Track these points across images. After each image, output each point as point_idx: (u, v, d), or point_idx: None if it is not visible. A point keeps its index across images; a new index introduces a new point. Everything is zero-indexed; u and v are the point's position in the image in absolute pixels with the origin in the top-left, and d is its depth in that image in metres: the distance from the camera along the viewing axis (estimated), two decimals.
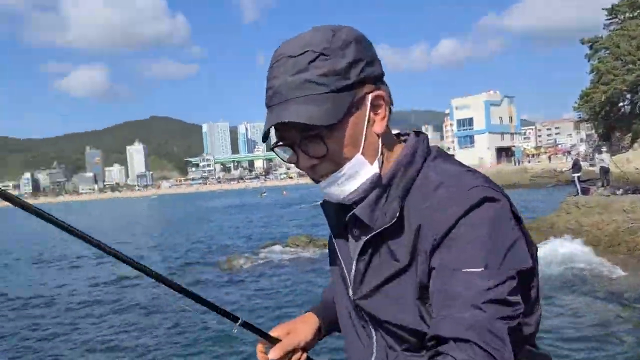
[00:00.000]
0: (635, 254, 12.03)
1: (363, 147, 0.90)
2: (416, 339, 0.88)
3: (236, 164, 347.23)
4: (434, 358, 0.77)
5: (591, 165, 31.16)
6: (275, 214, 39.77)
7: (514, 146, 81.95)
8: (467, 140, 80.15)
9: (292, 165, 0.94)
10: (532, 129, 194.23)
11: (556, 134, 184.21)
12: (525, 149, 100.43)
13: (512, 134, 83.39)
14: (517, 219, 0.87)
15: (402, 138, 1.02)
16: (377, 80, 0.92)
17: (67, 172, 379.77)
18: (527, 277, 0.87)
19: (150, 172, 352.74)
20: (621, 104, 44.87)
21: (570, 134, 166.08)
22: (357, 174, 0.90)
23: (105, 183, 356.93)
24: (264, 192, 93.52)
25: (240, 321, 1.10)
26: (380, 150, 0.93)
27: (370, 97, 0.90)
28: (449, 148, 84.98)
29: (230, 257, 16.71)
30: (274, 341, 1.11)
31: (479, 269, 0.78)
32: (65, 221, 0.86)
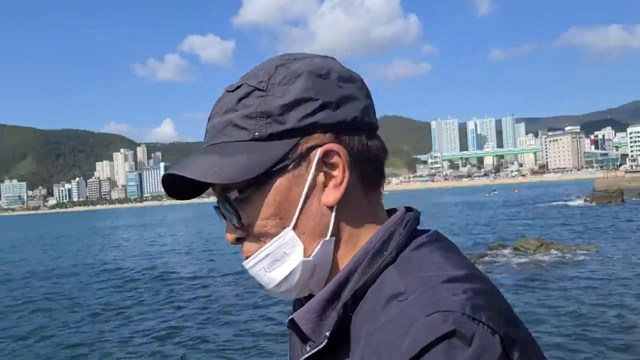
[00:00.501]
0: None
1: (297, 220, 0.64)
2: None
3: (464, 160, 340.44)
4: None
5: None
6: (504, 212, 38.01)
7: None
8: None
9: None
10: None
11: None
12: None
13: None
14: None
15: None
16: (342, 130, 0.65)
17: None
18: None
19: None
20: None
21: None
22: (285, 257, 0.65)
23: None
24: (494, 191, 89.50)
25: None
26: (331, 229, 0.65)
27: (318, 152, 0.63)
28: None
29: None
30: None
31: None
32: None
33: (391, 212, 0.70)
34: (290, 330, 0.69)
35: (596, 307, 9.70)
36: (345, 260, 0.65)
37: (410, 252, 0.63)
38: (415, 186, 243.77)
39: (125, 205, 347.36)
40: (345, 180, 0.64)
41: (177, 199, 0.71)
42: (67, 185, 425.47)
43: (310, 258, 0.64)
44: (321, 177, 0.64)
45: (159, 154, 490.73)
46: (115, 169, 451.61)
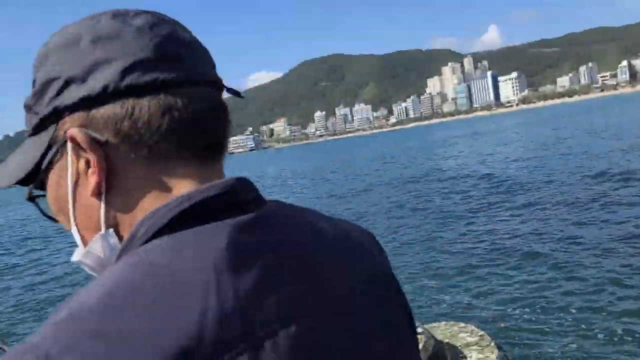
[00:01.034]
0: None
1: (74, 217, 0.56)
2: None
3: None
4: None
5: None
6: None
7: None
8: None
9: None
10: None
11: None
12: None
13: None
14: None
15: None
16: (94, 104, 0.52)
17: None
18: None
19: None
20: None
21: None
22: (89, 254, 0.56)
23: None
24: None
25: None
26: (104, 221, 0.54)
27: (68, 136, 0.53)
28: None
29: None
30: None
31: None
32: None
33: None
34: None
35: None
36: None
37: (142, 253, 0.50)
38: None
39: (456, 117, 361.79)
40: (94, 162, 0.53)
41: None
42: (403, 104, 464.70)
43: (94, 253, 0.55)
44: (82, 165, 0.54)
45: (485, 62, 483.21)
46: (445, 83, 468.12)
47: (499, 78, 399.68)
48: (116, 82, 0.52)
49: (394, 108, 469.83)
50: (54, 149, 0.55)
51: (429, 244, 10.38)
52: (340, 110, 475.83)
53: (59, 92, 0.53)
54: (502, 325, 5.97)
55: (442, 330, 4.34)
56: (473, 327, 4.39)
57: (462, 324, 4.50)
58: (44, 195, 0.59)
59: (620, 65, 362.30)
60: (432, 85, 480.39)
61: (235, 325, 0.46)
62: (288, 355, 0.47)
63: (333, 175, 32.68)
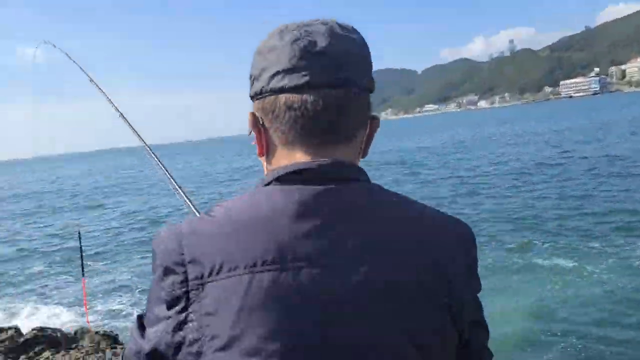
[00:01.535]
0: None
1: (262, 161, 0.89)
2: None
3: None
4: None
5: None
6: None
7: None
8: None
9: None
10: None
11: None
12: None
13: None
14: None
15: None
16: (258, 97, 0.82)
17: None
18: None
19: None
20: None
21: None
22: None
23: None
24: None
25: None
26: (265, 172, 0.86)
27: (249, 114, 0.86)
28: None
29: None
30: None
31: None
32: None
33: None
34: None
35: None
36: None
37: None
38: None
39: None
40: (258, 136, 0.84)
41: None
42: None
43: None
44: (256, 134, 0.84)
45: None
46: None
47: None
48: (265, 85, 0.79)
49: None
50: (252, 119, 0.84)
51: None
52: None
53: (251, 85, 0.84)
54: None
55: None
56: None
57: None
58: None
59: None
60: None
61: (271, 254, 0.71)
62: (303, 286, 0.70)
63: None
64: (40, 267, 12.05)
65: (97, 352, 5.30)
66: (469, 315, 0.81)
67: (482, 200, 13.81)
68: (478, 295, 0.85)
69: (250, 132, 0.84)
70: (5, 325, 6.59)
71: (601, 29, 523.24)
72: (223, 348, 0.69)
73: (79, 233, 6.11)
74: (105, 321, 7.91)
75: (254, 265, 0.71)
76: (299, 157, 0.79)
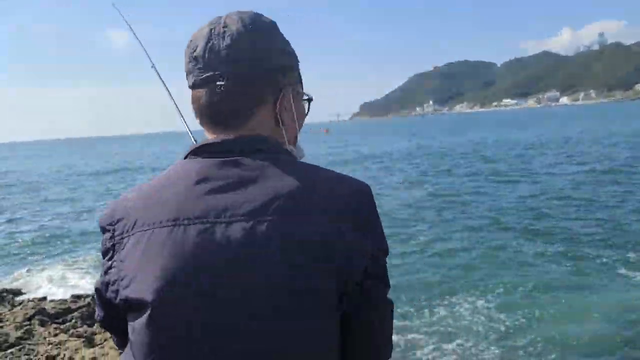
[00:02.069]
0: None
1: None
2: None
3: None
4: None
5: None
6: None
7: None
8: None
9: None
10: None
11: None
12: None
13: None
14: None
15: None
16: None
17: None
18: None
19: None
20: None
21: None
22: None
23: None
24: None
25: None
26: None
27: None
28: None
29: None
30: None
31: None
32: None
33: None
34: None
35: None
36: None
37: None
38: None
39: None
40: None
41: None
42: None
43: None
44: None
45: None
46: None
47: None
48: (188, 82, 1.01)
49: None
50: None
51: None
52: None
53: None
54: None
55: None
56: None
57: None
58: None
59: None
60: None
61: (170, 213, 0.89)
62: (191, 238, 0.87)
63: None
64: None
65: None
66: (360, 268, 0.88)
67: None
68: (380, 250, 0.92)
69: None
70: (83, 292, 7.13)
71: None
72: (128, 286, 0.89)
73: None
74: None
75: (157, 222, 0.89)
76: (210, 137, 0.99)
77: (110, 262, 0.92)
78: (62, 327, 5.69)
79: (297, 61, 1.08)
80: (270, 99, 1.00)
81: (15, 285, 8.67)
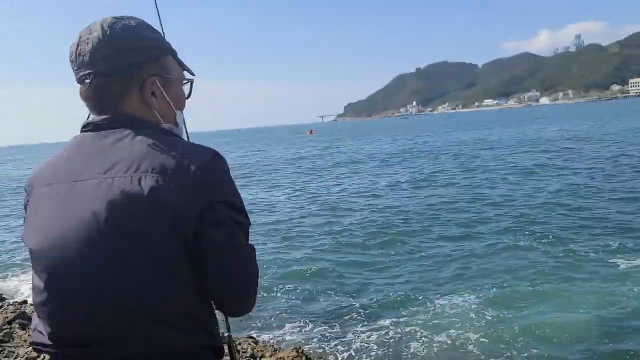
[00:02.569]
0: None
1: None
2: None
3: None
4: None
5: None
6: None
7: None
8: None
9: None
10: None
11: None
12: None
13: None
14: None
15: None
16: None
17: None
18: None
19: None
20: None
21: None
22: None
23: None
24: None
25: None
26: None
27: None
28: None
29: None
30: None
31: None
32: None
33: None
34: None
35: None
36: None
37: None
38: None
39: None
40: None
41: None
42: None
43: None
44: None
45: None
46: None
47: None
48: None
49: None
50: None
51: None
52: None
53: None
54: None
55: None
56: None
57: None
58: None
59: None
60: None
61: (52, 176, 1.21)
62: (60, 195, 1.16)
63: None
64: None
65: None
66: (193, 215, 1.11)
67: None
68: (220, 202, 1.15)
69: None
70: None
71: None
72: (25, 233, 1.22)
73: None
74: None
75: (43, 183, 1.22)
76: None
77: (24, 217, 1.25)
78: None
79: (164, 52, 1.30)
80: (135, 88, 1.25)
81: None
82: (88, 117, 1.28)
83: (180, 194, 1.11)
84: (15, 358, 4.65)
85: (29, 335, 5.36)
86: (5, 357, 4.65)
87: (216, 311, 1.25)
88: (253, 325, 6.22)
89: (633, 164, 17.24)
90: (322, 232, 10.98)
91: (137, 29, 1.25)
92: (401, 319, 6.11)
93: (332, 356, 5.38)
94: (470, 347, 5.28)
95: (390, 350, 5.42)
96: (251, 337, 5.69)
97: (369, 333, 5.81)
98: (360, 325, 6.06)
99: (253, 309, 1.26)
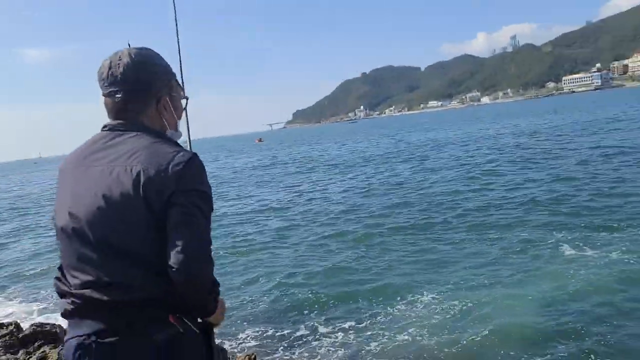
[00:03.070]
0: None
1: None
2: None
3: None
4: None
5: None
6: None
7: None
8: None
9: None
10: None
11: None
12: None
13: None
14: None
15: None
16: None
17: None
18: None
19: None
20: None
21: None
22: None
23: None
24: None
25: None
26: None
27: None
28: None
29: None
30: None
31: None
32: None
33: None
34: None
35: None
36: None
37: None
38: None
39: None
40: None
41: None
42: None
43: None
44: None
45: None
46: None
47: None
48: None
49: None
50: None
51: None
52: None
53: None
54: None
55: None
56: None
57: None
58: None
59: None
60: None
61: (76, 160, 1.71)
62: (81, 176, 1.65)
63: None
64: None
65: None
66: (164, 197, 1.52)
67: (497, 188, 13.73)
68: (188, 189, 1.55)
69: None
70: (6, 321, 6.67)
71: (603, 24, 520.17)
72: (56, 202, 1.69)
73: None
74: None
75: (67, 167, 1.70)
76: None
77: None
78: None
79: (172, 77, 1.80)
80: (153, 104, 1.72)
81: None
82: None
83: (157, 180, 1.52)
84: None
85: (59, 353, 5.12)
86: None
87: None
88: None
89: (578, 157, 18.12)
90: (280, 238, 10.96)
91: (154, 59, 1.73)
92: (362, 320, 6.23)
93: None
94: (429, 343, 5.46)
95: (351, 350, 5.51)
96: None
97: (330, 335, 5.88)
98: (323, 327, 6.12)
99: (211, 302, 1.64)
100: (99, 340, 1.52)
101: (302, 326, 6.27)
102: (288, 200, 16.63)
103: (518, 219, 10.27)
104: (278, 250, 10.12)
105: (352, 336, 5.85)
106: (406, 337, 5.64)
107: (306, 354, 5.55)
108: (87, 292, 1.54)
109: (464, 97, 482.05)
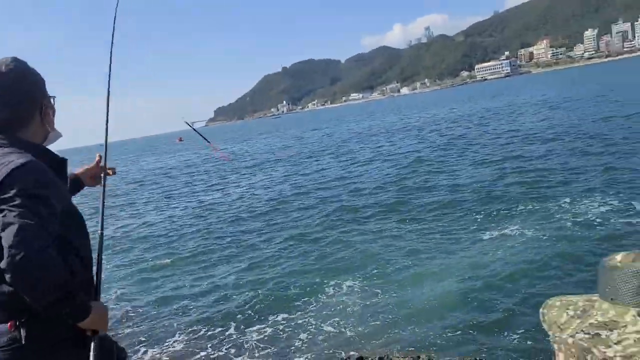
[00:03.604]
0: None
1: None
2: None
3: None
4: None
5: None
6: None
7: None
8: None
9: None
10: None
11: None
12: None
13: None
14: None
15: None
16: None
17: None
18: None
19: None
20: None
21: None
22: None
23: None
24: None
25: None
26: None
27: None
28: None
29: None
30: None
31: None
32: None
33: None
34: None
35: None
36: None
37: None
38: None
39: None
40: None
41: None
42: None
43: None
44: None
45: None
46: None
47: None
48: None
49: None
50: None
51: None
52: (618, 27, 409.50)
53: None
54: None
55: None
56: None
57: None
58: None
59: None
60: None
61: None
62: None
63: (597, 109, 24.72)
64: None
65: None
66: (2, 199, 1.64)
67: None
68: (16, 193, 1.64)
69: None
70: None
71: (509, 14, 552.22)
72: None
73: None
74: None
75: None
76: None
77: None
78: None
79: (44, 86, 1.99)
80: (37, 112, 1.94)
81: None
82: None
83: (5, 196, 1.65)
84: None
85: None
86: None
87: None
88: (142, 340, 6.00)
89: (496, 142, 19.14)
90: (204, 240, 10.77)
91: (29, 72, 1.95)
92: (292, 313, 6.26)
93: None
94: (355, 331, 5.58)
95: (282, 344, 5.55)
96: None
97: (260, 331, 5.87)
98: (254, 324, 6.12)
99: (66, 307, 1.64)
100: None
101: (232, 324, 6.22)
102: (209, 205, 16.33)
103: (439, 203, 10.72)
104: (204, 257, 9.88)
105: (281, 328, 5.88)
106: (333, 325, 5.75)
107: (233, 350, 5.52)
108: None
109: (384, 88, 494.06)
